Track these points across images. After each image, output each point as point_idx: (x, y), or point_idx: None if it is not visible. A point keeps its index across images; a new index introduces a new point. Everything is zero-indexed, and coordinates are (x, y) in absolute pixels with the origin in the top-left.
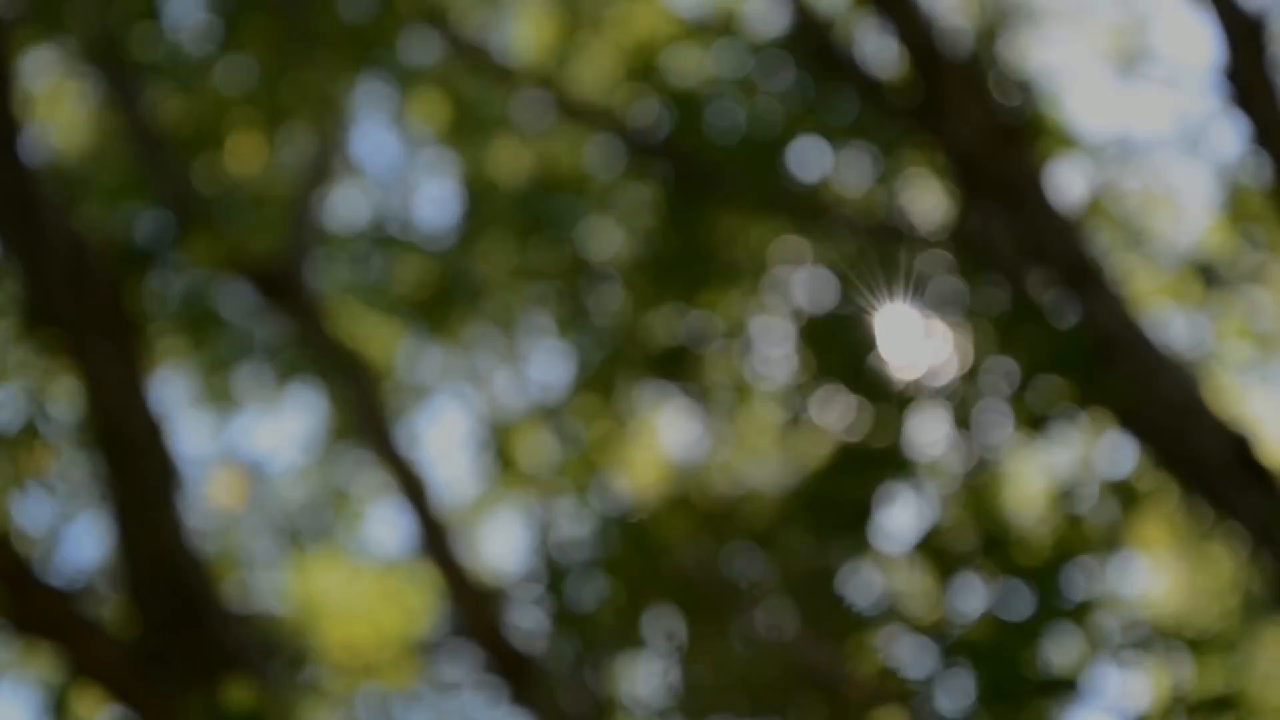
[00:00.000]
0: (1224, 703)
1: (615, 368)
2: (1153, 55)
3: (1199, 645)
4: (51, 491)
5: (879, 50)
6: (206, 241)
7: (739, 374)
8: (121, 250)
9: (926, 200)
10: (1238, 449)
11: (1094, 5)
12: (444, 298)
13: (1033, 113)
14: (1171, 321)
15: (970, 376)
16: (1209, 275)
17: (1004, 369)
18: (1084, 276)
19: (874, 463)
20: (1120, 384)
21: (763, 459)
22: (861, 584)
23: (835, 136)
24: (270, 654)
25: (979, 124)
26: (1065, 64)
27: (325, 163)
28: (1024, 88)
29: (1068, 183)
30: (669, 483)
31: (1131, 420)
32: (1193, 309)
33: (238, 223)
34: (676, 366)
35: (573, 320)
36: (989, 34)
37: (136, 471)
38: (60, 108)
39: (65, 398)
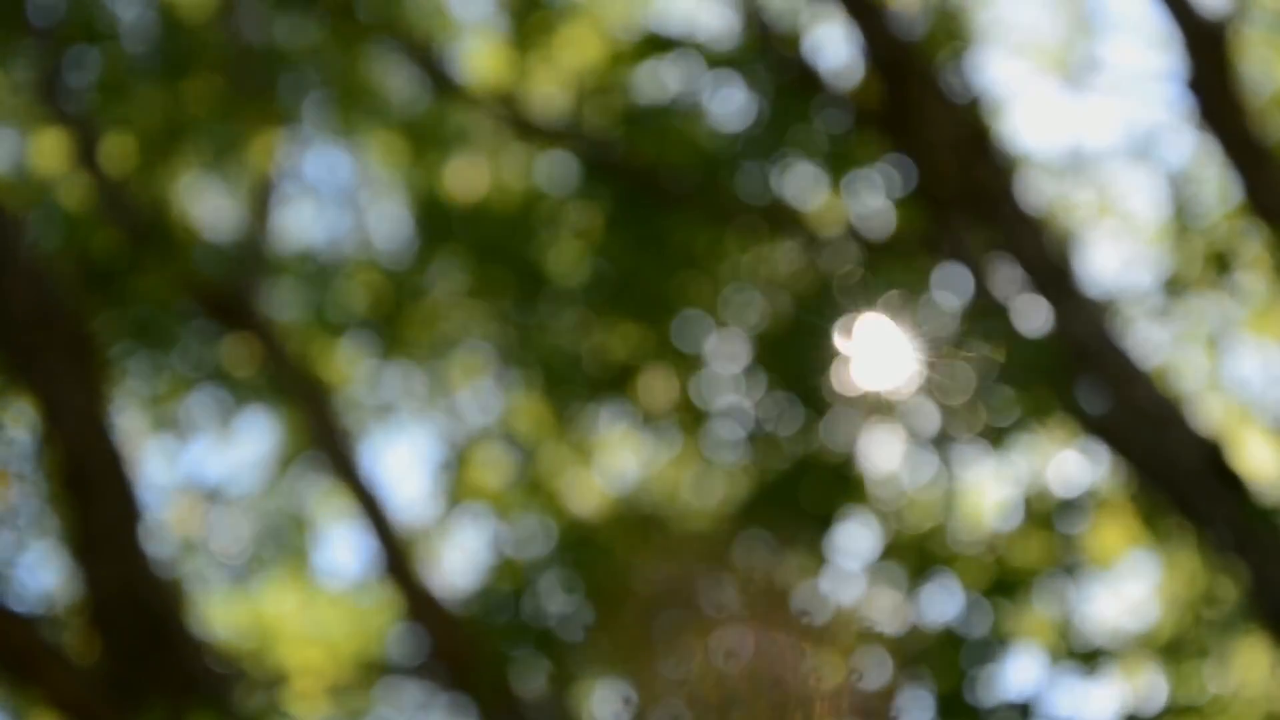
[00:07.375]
0: (1193, 711)
1: (570, 386)
2: (1109, 65)
3: (1171, 654)
4: (11, 519)
5: (844, 60)
6: (159, 269)
7: (693, 391)
8: (81, 279)
9: (891, 210)
10: (1211, 457)
11: (1052, 16)
12: (399, 317)
13: (994, 123)
14: (1143, 330)
15: (933, 388)
16: (1174, 284)
17: (968, 380)
18: (1057, 284)
19: (831, 476)
20: (1092, 392)
21: (718, 475)
22: (820, 597)
23: (798, 148)
24: (234, 679)
25: (949, 133)
26: (1022, 75)
27: (277, 185)
28: (985, 98)
29: (1038, 192)
30: (624, 501)
31: (1104, 429)
32: (1161, 318)
33: (190, 249)
34: (630, 384)
35: (527, 338)
36: (955, 43)
37: (100, 498)
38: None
39: (24, 425)
